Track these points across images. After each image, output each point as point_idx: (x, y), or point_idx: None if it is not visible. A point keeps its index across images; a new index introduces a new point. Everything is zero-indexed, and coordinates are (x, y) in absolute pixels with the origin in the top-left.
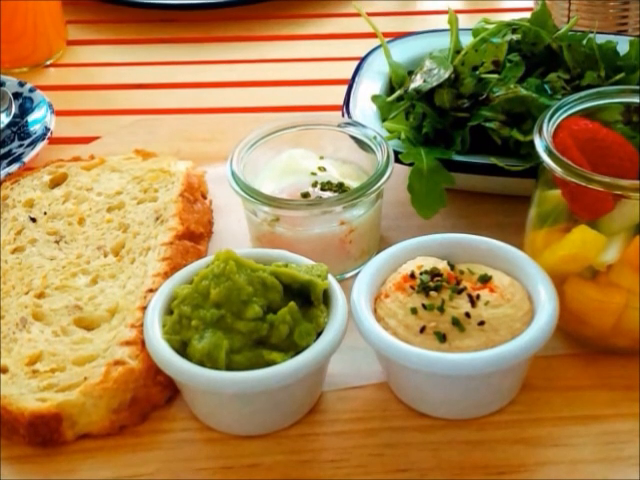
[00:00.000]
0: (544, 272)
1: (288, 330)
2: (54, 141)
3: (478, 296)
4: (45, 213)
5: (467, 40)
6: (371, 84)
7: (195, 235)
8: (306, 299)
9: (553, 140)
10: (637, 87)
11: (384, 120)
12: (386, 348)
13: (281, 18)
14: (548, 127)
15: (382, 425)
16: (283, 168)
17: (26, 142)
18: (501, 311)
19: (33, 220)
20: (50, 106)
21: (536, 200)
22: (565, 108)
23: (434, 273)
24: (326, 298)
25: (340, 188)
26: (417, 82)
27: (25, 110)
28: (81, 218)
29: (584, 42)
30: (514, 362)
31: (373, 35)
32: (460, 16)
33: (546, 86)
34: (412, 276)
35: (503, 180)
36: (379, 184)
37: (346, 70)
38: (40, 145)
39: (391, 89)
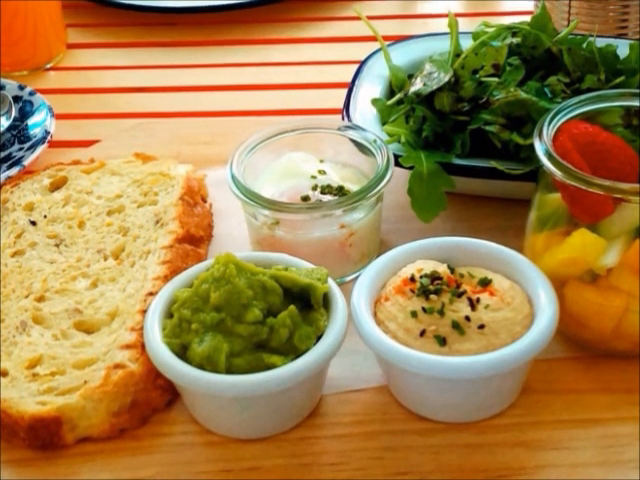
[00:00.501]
0: (544, 275)
1: (288, 333)
2: (54, 144)
3: (478, 299)
4: (45, 216)
5: (467, 43)
6: (371, 87)
7: (195, 238)
8: (306, 302)
9: (553, 143)
10: (637, 90)
11: (384, 123)
12: (386, 351)
13: (281, 22)
14: (548, 130)
15: (382, 428)
16: (283, 171)
17: (26, 145)
18: (501, 314)
19: (33, 223)
20: (50, 109)
21: (536, 203)
22: (565, 111)
23: (434, 276)
24: (326, 301)
25: (340, 191)
26: (417, 85)
27: (25, 113)
28: (81, 221)
29: (584, 45)
30: (514, 365)
31: (373, 38)
32: (460, 19)
33: (546, 89)
34: (412, 279)
35: (503, 183)
36: (379, 187)
37: (346, 73)
38: (40, 148)
39: (391, 92)
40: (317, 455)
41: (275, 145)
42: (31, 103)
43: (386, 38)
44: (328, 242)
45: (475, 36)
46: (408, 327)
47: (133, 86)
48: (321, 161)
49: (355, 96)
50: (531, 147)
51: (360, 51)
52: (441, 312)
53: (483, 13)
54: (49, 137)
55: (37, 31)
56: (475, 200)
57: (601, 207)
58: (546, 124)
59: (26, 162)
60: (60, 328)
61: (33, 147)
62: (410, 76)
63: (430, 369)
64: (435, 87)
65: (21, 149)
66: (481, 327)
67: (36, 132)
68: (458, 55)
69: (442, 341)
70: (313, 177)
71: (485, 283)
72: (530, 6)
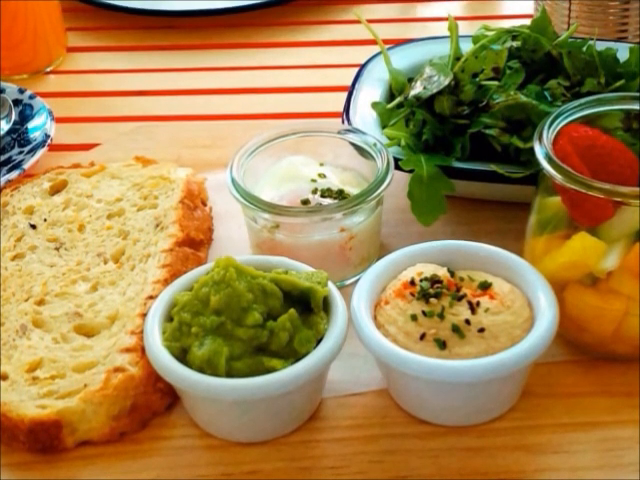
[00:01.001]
0: (544, 279)
1: (288, 337)
2: (54, 148)
3: (478, 303)
4: (45, 220)
5: (467, 47)
6: (371, 91)
7: (195, 242)
8: (306, 306)
9: (553, 147)
10: (637, 94)
11: (384, 127)
12: (386, 355)
13: (281, 25)
14: (548, 134)
15: (382, 432)
16: (283, 175)
17: (26, 149)
18: (501, 318)
19: (33, 227)
20: (50, 113)
21: (536, 207)
22: (565, 115)
23: (434, 280)
24: (326, 305)
25: (340, 195)
26: (417, 89)
27: (25, 117)
28: (81, 225)
29: (584, 49)
30: (514, 369)
31: (373, 42)
32: (460, 23)
33: (546, 93)
34: (412, 283)
35: (503, 187)
36: (379, 191)
37: (346, 77)
38: (40, 152)
39: (391, 96)
40: (317, 459)
41: (275, 148)
42: (31, 106)
43: (386, 41)
44: (328, 245)
45: (475, 39)
46: (408, 330)
47: (133, 89)
48: (321, 164)
49: (355, 99)
50: (531, 150)
51: (360, 54)
52: (441, 315)
53: (483, 16)
54: (49, 140)
55: (37, 34)
56: (475, 203)
57: (601, 210)
58: (546, 127)
59: (26, 165)
60: (60, 331)
61: (33, 150)
62: (410, 79)
63: (430, 372)
64: (435, 90)
65: (21, 152)
66: (481, 330)
67: (36, 135)
68: (458, 58)
69: (442, 345)
70: (313, 180)
71: (485, 286)
72: (530, 9)
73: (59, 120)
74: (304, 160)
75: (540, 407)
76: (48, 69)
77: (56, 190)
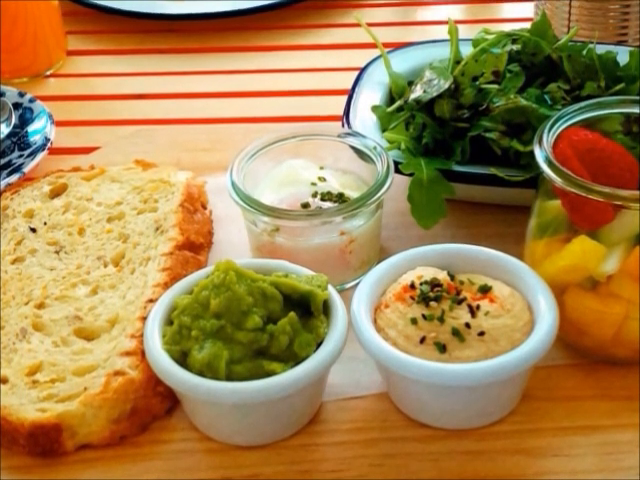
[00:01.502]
0: (544, 282)
1: (288, 340)
2: (54, 151)
3: (478, 306)
4: (45, 223)
5: (467, 50)
6: (371, 94)
7: (195, 245)
8: (306, 309)
9: (553, 150)
10: (637, 97)
11: (384, 130)
12: (386, 358)
13: (281, 28)
14: (548, 137)
15: (382, 435)
16: (283, 178)
17: (26, 152)
18: (501, 321)
19: (33, 230)
20: (50, 116)
21: (536, 210)
22: (565, 118)
23: (434, 283)
24: (326, 308)
25: (340, 198)
26: (417, 92)
27: (25, 120)
28: (81, 228)
29: (584, 52)
30: (514, 372)
31: (373, 45)
32: (460, 26)
33: (546, 96)
34: (412, 286)
35: (503, 190)
36: (379, 194)
37: (346, 80)
38: (40, 155)
39: (391, 99)
40: (317, 462)
41: (275, 152)
42: (31, 110)
43: (386, 45)
44: (328, 249)
45: (475, 43)
46: (408, 334)
47: (133, 93)
48: (321, 168)
49: (355, 103)
50: (531, 154)
51: (360, 58)
52: (441, 319)
53: (483, 20)
54: (49, 144)
55: (37, 38)
56: (475, 207)
57: (601, 214)
58: (546, 131)
59: (26, 169)
60: (60, 335)
61: (33, 154)
62: (410, 83)
63: (430, 376)
64: (435, 94)
65: (21, 156)
66: (481, 334)
67: (36, 139)
68: (458, 62)
69: (442, 348)
70: (313, 184)
71: (485, 290)
72: (530, 13)
73: (59, 123)
74: (304, 163)
75: (540, 411)
76: (48, 72)
77: (56, 193)
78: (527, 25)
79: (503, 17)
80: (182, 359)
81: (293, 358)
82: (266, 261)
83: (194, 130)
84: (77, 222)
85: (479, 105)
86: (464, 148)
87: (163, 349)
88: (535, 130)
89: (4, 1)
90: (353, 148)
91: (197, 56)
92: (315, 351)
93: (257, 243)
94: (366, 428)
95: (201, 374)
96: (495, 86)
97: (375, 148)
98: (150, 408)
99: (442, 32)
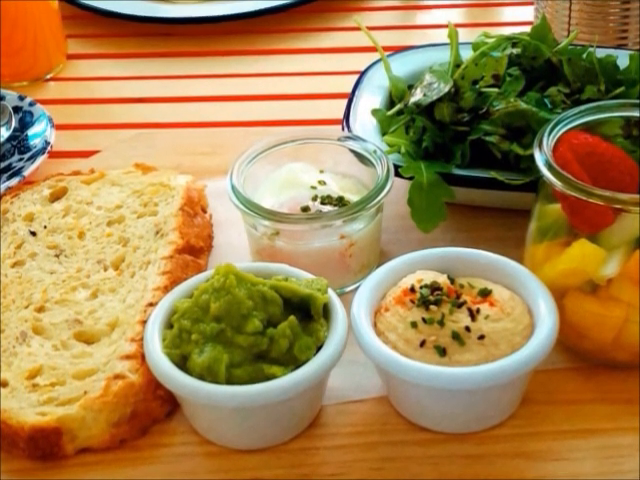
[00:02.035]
0: (544, 286)
1: (288, 344)
2: (54, 155)
3: (478, 310)
4: (45, 227)
5: (467, 54)
6: (371, 98)
7: (195, 249)
8: (306, 313)
9: (553, 154)
10: (637, 101)
11: (384, 134)
12: (386, 362)
13: (281, 32)
14: (548, 141)
15: (382, 439)
16: (283, 182)
17: (26, 156)
18: (501, 325)
19: (33, 234)
20: (50, 120)
21: (536, 214)
22: (565, 122)
23: (434, 287)
24: (326, 312)
25: (340, 202)
26: (417, 96)
27: (25, 124)
28: (81, 232)
29: (584, 56)
30: (514, 376)
31: (373, 49)
32: (460, 30)
33: (546, 100)
34: (412, 290)
35: (503, 194)
36: (379, 198)
37: (346, 84)
38: (40, 159)
39: (391, 103)
40: (317, 466)
41: (275, 156)
42: (31, 114)
43: (386, 49)
44: (328, 253)
45: (475, 47)
46: (408, 338)
47: (133, 97)
48: (321, 171)
49: (355, 106)
50: (531, 157)
51: (360, 62)
52: (441, 323)
53: (483, 24)
54: (49, 147)
55: (37, 42)
56: (475, 210)
57: (601, 218)
58: (546, 134)
59: (26, 173)
60: (60, 339)
61: (33, 158)
62: (410, 87)
63: (430, 380)
64: (435, 97)
65: (21, 159)
66: (481, 338)
67: (36, 143)
68: (458, 66)
69: (442, 352)
70: (313, 188)
71: (485, 294)
72: (530, 16)
73: (59, 127)
74: (304, 167)
75: (540, 414)
76: (48, 76)
77: (56, 197)
78: (527, 29)
79: (503, 21)
80: (182, 363)
81: (293, 362)
82: (266, 265)
83: (194, 134)
84: (77, 226)
85: (479, 109)
86: (464, 152)
87: (163, 353)
88: (535, 134)
89: (4, 5)
90: (353, 152)
91: (197, 60)
92: (315, 355)
93: (257, 247)
94: (366, 432)
95: (201, 378)
96: (495, 90)
97: (375, 152)
98: (150, 412)
99: (442, 36)
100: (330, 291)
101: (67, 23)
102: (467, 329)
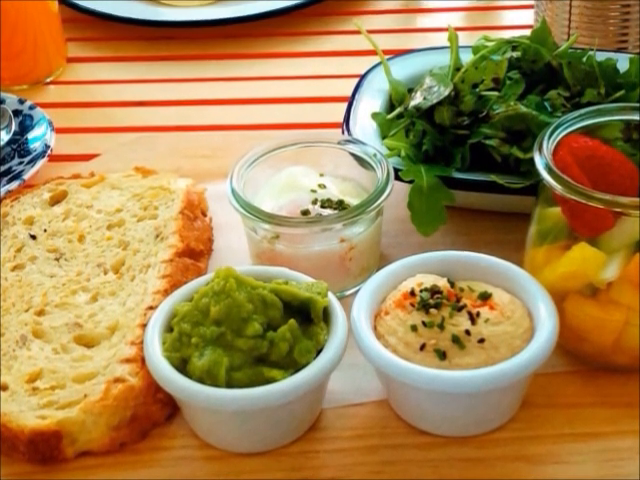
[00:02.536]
0: (544, 289)
1: (288, 347)
2: (54, 158)
3: (478, 313)
4: (45, 230)
5: (467, 57)
6: (371, 101)
7: (195, 252)
8: (306, 316)
9: (553, 157)
10: (637, 104)
11: (384, 137)
12: (386, 365)
13: (281, 36)
14: (548, 144)
15: (382, 442)
16: (283, 185)
17: (26, 159)
18: (501, 328)
19: (33, 237)
20: (50, 123)
21: (536, 217)
22: (565, 125)
23: (434, 290)
24: (326, 315)
25: (340, 205)
26: (417, 99)
27: (25, 127)
28: (81, 235)
29: (584, 59)
30: (514, 379)
31: (373, 52)
32: (460, 33)
33: (546, 103)
34: (412, 293)
35: (503, 197)
36: (379, 201)
37: (346, 87)
38: (40, 162)
39: (391, 106)
40: (317, 469)
41: (275, 159)
42: (31, 117)
43: (386, 52)
44: (328, 256)
45: (475, 50)
46: (408, 341)
47: (133, 100)
48: (321, 175)
49: (355, 110)
50: (531, 161)
51: (360, 65)
52: (441, 326)
53: (483, 27)
54: (49, 151)
55: (37, 45)
56: (475, 214)
57: (601, 221)
58: (546, 138)
59: (26, 176)
60: (60, 342)
61: (33, 161)
62: (410, 90)
63: (430, 383)
64: (435, 101)
65: (21, 163)
66: (481, 341)
67: (36, 146)
68: (458, 69)
69: (442, 355)
70: (313, 191)
71: (485, 297)
72: (530, 20)
73: (59, 130)
74: (304, 170)
75: (540, 418)
76: (48, 79)
77: (56, 201)
78: (527, 32)
79: (503, 24)
80: (182, 366)
81: (293, 365)
82: (266, 268)
83: (194, 137)
84: (77, 229)
85: (479, 112)
86: (464, 155)
87: (163, 356)
88: (535, 137)
89: (4, 8)
90: (353, 155)
91: (197, 63)
92: (315, 358)
93: (257, 250)
94: (366, 435)
95: (201, 381)
96: (495, 93)
97: (375, 155)
98: (150, 415)
99: (442, 39)
100: (330, 294)
101: (67, 26)
102: (467, 332)
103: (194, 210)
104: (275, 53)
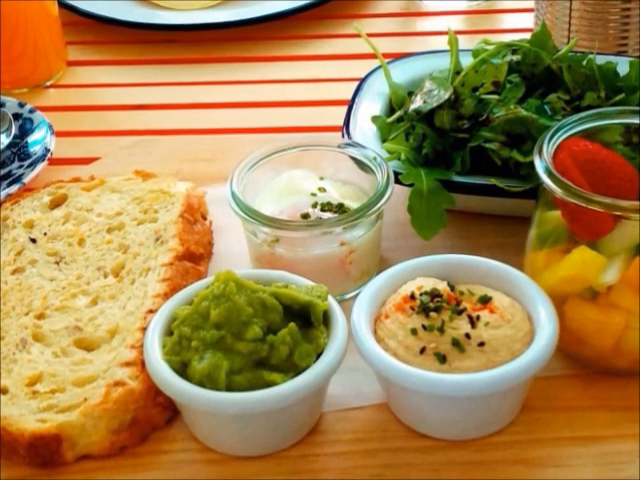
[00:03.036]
0: (544, 293)
1: (288, 351)
2: (54, 162)
3: (478, 317)
4: (45, 234)
5: (467, 61)
6: (371, 105)
7: (195, 256)
8: (306, 320)
9: (553, 161)
10: (637, 108)
11: (384, 141)
12: (386, 369)
13: (281, 39)
14: (548, 148)
15: (382, 446)
16: (283, 189)
17: (26, 163)
18: (501, 332)
19: (33, 241)
20: (50, 127)
21: (536, 221)
22: (565, 129)
23: (434, 294)
24: (326, 319)
25: (340, 209)
26: (417, 103)
27: (25, 131)
28: (81, 239)
29: (584, 63)
30: (514, 383)
31: (373, 56)
32: (460, 37)
33: (546, 107)
34: (412, 297)
35: (503, 201)
36: (379, 205)
37: (346, 91)
38: (40, 166)
39: (391, 110)
40: (317, 472)
41: (275, 162)
42: (31, 120)
43: (386, 55)
44: (328, 260)
45: (475, 53)
46: (408, 344)
47: (133, 103)
48: (321, 178)
49: (355, 113)
50: (531, 164)
51: (360, 68)
52: (441, 329)
53: (483, 30)
54: (49, 154)
55: (37, 48)
56: (475, 217)
57: (601, 224)
58: (546, 141)
59: (26, 179)
60: (60, 345)
61: (33, 164)
62: (410, 93)
63: (430, 387)
64: (435, 104)
65: (21, 166)
66: (481, 345)
67: (36, 149)
68: (458, 72)
69: (442, 359)
70: (313, 194)
71: (485, 300)
72: (530, 23)
73: (59, 134)
74: (304, 174)
75: (540, 421)
76: (48, 83)
77: (56, 204)
78: (527, 36)
79: (503, 28)
80: (182, 370)
81: (293, 368)
82: (266, 272)
83: (194, 140)
84: (77, 233)
85: (479, 116)
86: (464, 159)
87: (163, 360)
88: (535, 141)
89: (4, 11)
90: (353, 159)
91: (197, 66)
92: (315, 361)
93: (257, 254)
94: (366, 439)
95: (201, 385)
96: (495, 97)
97: (375, 159)
98: (150, 418)
99: (442, 43)
100: (330, 298)
101: (67, 30)
102: (467, 336)
103: (194, 213)
104: (275, 57)
